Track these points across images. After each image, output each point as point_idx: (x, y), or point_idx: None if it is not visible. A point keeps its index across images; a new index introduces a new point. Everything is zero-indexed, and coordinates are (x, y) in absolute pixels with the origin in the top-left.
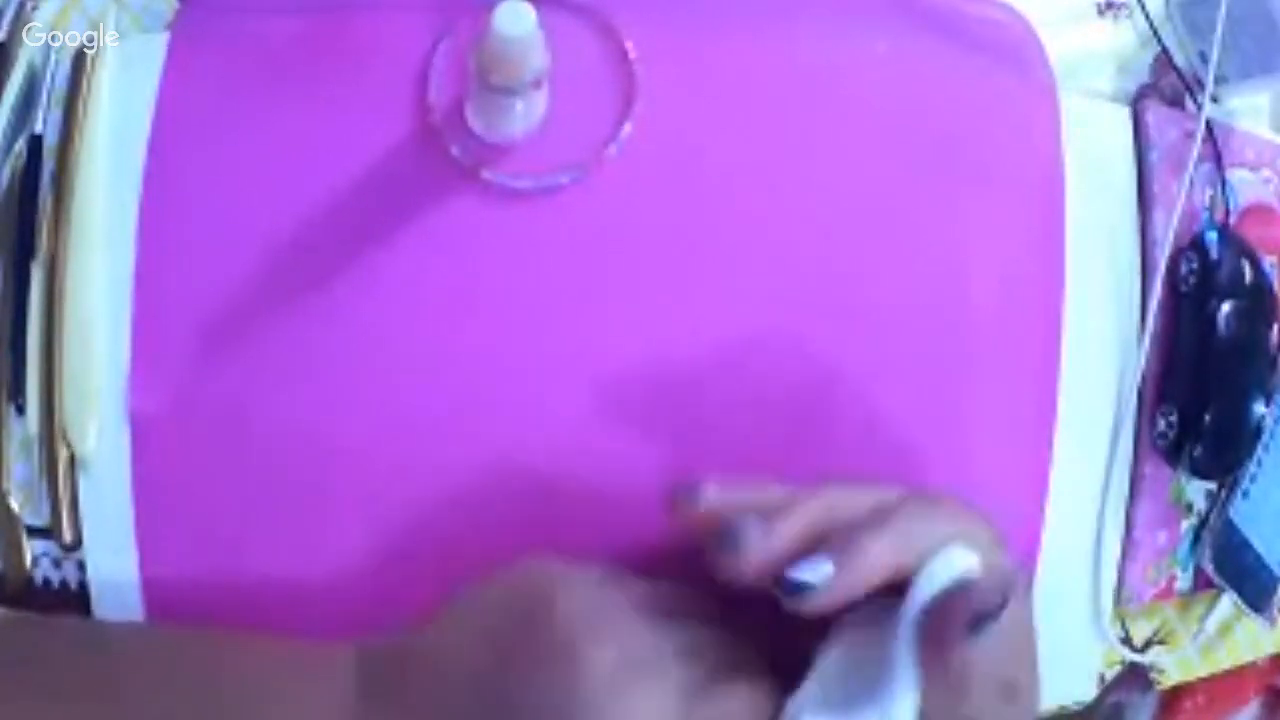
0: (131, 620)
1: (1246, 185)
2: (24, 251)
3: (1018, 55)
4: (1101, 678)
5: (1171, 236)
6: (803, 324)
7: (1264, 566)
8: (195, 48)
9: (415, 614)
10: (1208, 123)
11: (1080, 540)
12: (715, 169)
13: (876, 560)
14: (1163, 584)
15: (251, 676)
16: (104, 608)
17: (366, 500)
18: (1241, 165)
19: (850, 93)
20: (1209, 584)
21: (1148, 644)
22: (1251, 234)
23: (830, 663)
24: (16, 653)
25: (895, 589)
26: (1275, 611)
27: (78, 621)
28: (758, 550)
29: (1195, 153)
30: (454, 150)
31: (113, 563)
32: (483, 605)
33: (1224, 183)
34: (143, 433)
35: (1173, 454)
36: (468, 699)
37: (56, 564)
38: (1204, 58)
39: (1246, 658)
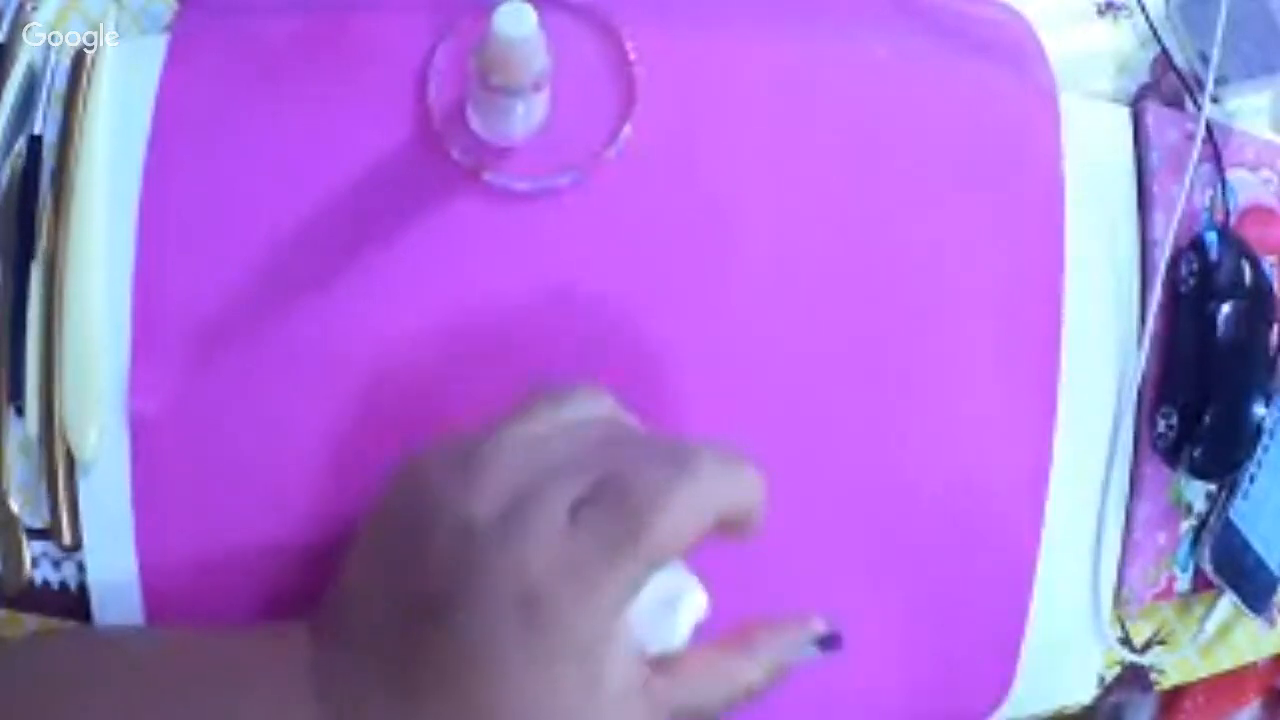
0: (130, 625)
1: (1246, 186)
2: (24, 251)
3: (1018, 56)
4: (1101, 679)
5: (1171, 237)
6: (801, 325)
7: (1263, 567)
8: (194, 49)
9: None
10: (1207, 123)
11: (1080, 541)
12: (714, 171)
13: None
14: (1162, 585)
15: (220, 676)
16: (104, 609)
17: (368, 500)
18: (1241, 166)
19: (850, 94)
20: (1208, 585)
21: (1147, 645)
22: (1251, 234)
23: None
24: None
25: None
26: (1275, 612)
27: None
28: None
29: (1195, 153)
30: (454, 152)
31: (113, 564)
32: (375, 525)
33: (1224, 183)
34: (143, 434)
35: (1172, 455)
36: (391, 610)
37: (56, 565)
38: (1204, 58)
39: (1246, 658)
